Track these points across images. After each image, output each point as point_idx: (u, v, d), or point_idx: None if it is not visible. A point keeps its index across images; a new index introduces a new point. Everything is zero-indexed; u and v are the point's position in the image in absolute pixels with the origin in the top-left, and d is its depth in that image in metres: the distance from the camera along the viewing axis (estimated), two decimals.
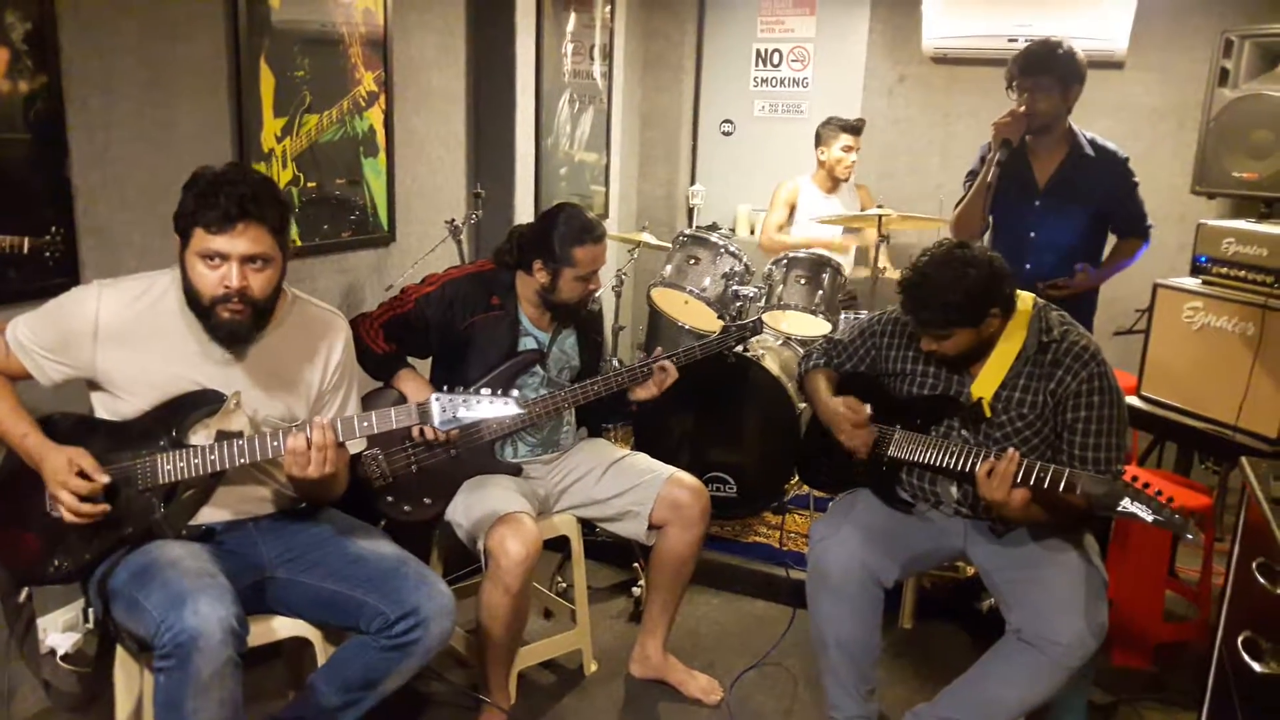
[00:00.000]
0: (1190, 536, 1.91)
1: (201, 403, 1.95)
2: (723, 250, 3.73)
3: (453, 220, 3.58)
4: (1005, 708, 2.14)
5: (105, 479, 1.86)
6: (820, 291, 3.67)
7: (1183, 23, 4.25)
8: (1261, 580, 1.73)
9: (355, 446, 2.15)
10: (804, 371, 2.66)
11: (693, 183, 5.44)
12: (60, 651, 2.50)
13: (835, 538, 2.31)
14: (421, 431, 2.44)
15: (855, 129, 4.32)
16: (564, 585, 3.09)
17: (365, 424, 1.94)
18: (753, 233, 5.17)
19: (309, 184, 3.17)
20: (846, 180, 4.40)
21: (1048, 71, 2.90)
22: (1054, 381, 2.20)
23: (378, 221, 3.52)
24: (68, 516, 1.85)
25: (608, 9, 4.78)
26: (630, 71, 5.20)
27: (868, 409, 2.37)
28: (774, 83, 5.24)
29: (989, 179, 2.92)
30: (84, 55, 2.41)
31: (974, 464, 2.15)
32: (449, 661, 2.72)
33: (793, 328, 3.83)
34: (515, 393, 1.92)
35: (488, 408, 1.89)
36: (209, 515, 2.01)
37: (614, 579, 3.31)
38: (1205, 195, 3.48)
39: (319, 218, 3.24)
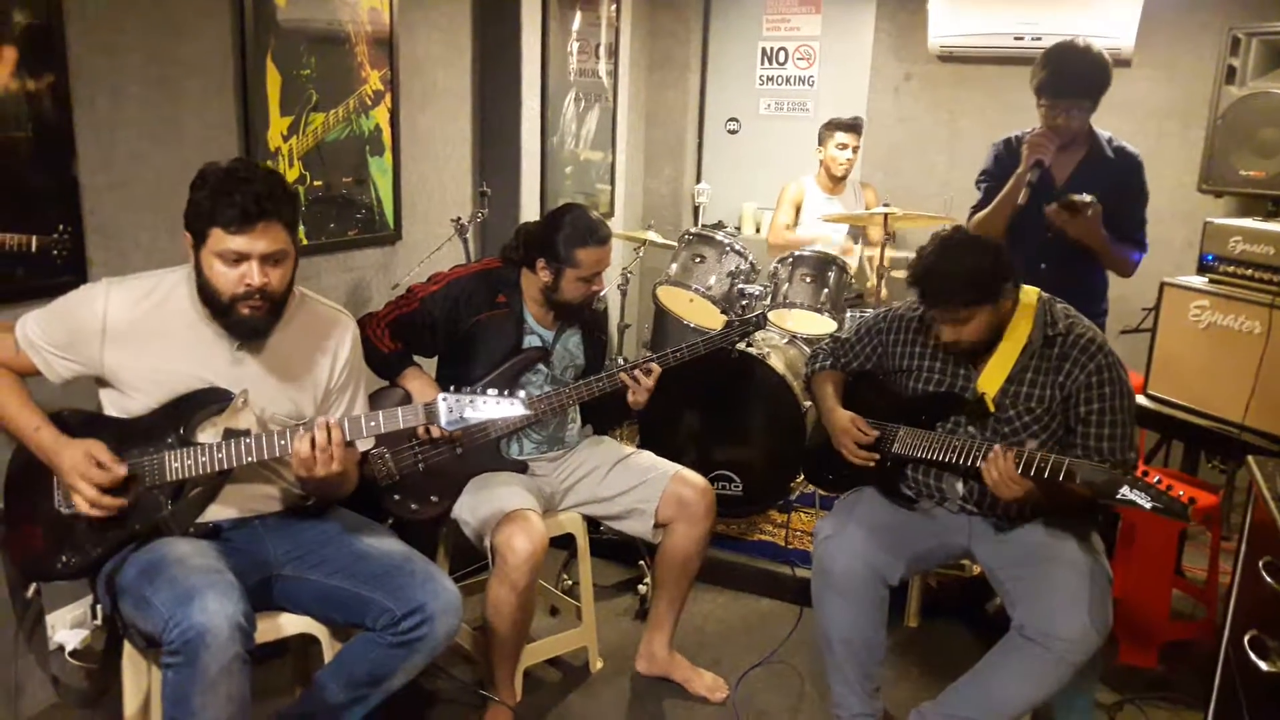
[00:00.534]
0: (1190, 521, 1.91)
1: (209, 401, 1.96)
2: (728, 248, 3.73)
3: (459, 219, 3.59)
4: (1010, 704, 2.14)
5: (124, 469, 1.87)
6: (826, 290, 3.67)
7: (1189, 20, 4.23)
8: (1268, 579, 1.72)
9: (363, 445, 2.16)
10: (810, 373, 2.67)
11: (698, 181, 5.44)
12: (69, 647, 2.51)
13: (840, 536, 2.31)
14: (428, 430, 2.44)
15: (849, 126, 4.31)
16: (570, 583, 3.09)
17: (373, 423, 1.95)
18: (758, 231, 5.17)
19: (315, 183, 3.18)
20: (844, 179, 4.40)
21: (1085, 94, 2.80)
22: (1062, 374, 2.21)
23: (384, 220, 3.53)
24: (86, 509, 1.86)
25: (613, 7, 4.78)
26: (636, 70, 5.20)
27: (874, 434, 2.39)
28: (780, 81, 5.24)
29: (1019, 200, 2.81)
30: (91, 54, 2.42)
31: (976, 458, 2.16)
32: (455, 658, 2.73)
33: (798, 326, 3.83)
34: (521, 393, 1.92)
35: (494, 408, 1.89)
36: (216, 513, 2.02)
37: (620, 577, 3.32)
38: (1212, 193, 3.48)
39: (325, 216, 3.25)
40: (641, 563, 3.17)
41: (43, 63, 2.30)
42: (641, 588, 3.11)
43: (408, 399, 2.49)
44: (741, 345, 3.40)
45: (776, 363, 3.46)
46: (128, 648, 1.97)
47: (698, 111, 5.41)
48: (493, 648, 2.41)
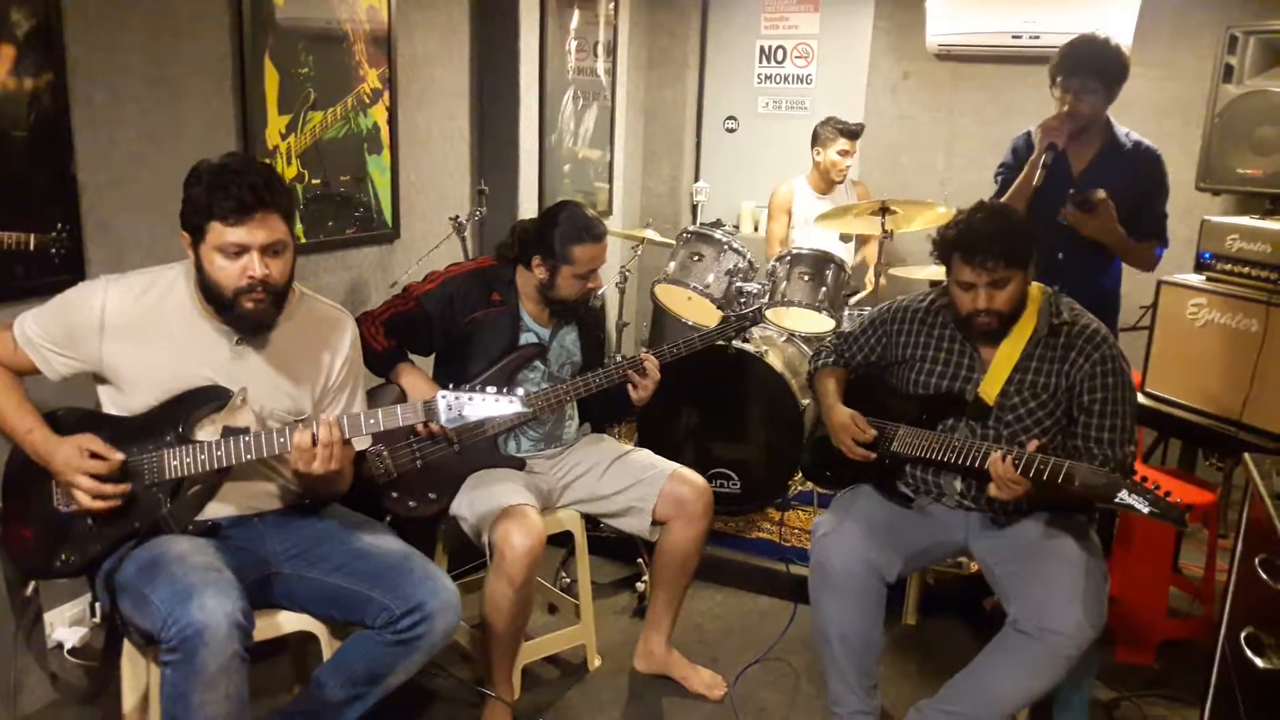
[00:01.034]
0: (1186, 527, 1.93)
1: (208, 398, 1.96)
2: (726, 247, 3.73)
3: (457, 217, 3.59)
4: (1007, 699, 2.15)
5: (119, 455, 1.87)
6: (824, 288, 3.67)
7: (1187, 19, 4.24)
8: (1264, 576, 1.73)
9: (361, 443, 2.16)
10: (814, 370, 2.68)
11: (696, 179, 5.43)
12: (67, 645, 2.51)
13: (837, 533, 2.32)
14: (426, 427, 2.45)
15: (853, 133, 4.30)
16: (568, 580, 3.10)
17: (371, 421, 1.95)
18: (756, 229, 5.17)
19: (313, 181, 3.18)
20: (840, 183, 4.39)
21: (1095, 75, 2.83)
22: (1067, 364, 2.24)
23: (382, 218, 3.53)
24: (87, 501, 1.86)
25: (611, 5, 4.78)
26: (634, 68, 5.20)
27: (873, 433, 2.40)
28: (778, 79, 5.24)
29: (1035, 182, 2.83)
30: (89, 52, 2.42)
31: (976, 458, 2.18)
32: (453, 656, 2.73)
33: (796, 324, 3.84)
34: (520, 390, 1.93)
35: (493, 405, 1.90)
36: (215, 510, 2.02)
37: (618, 574, 3.32)
38: (1210, 191, 3.48)
39: (323, 214, 3.25)
40: (639, 560, 3.18)
41: (41, 61, 2.30)
42: (639, 585, 3.12)
43: (403, 397, 2.49)
44: (739, 343, 3.41)
45: (774, 361, 3.47)
46: (126, 645, 1.97)
47: (696, 110, 5.41)
48: (491, 645, 2.42)
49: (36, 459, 1.90)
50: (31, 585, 2.12)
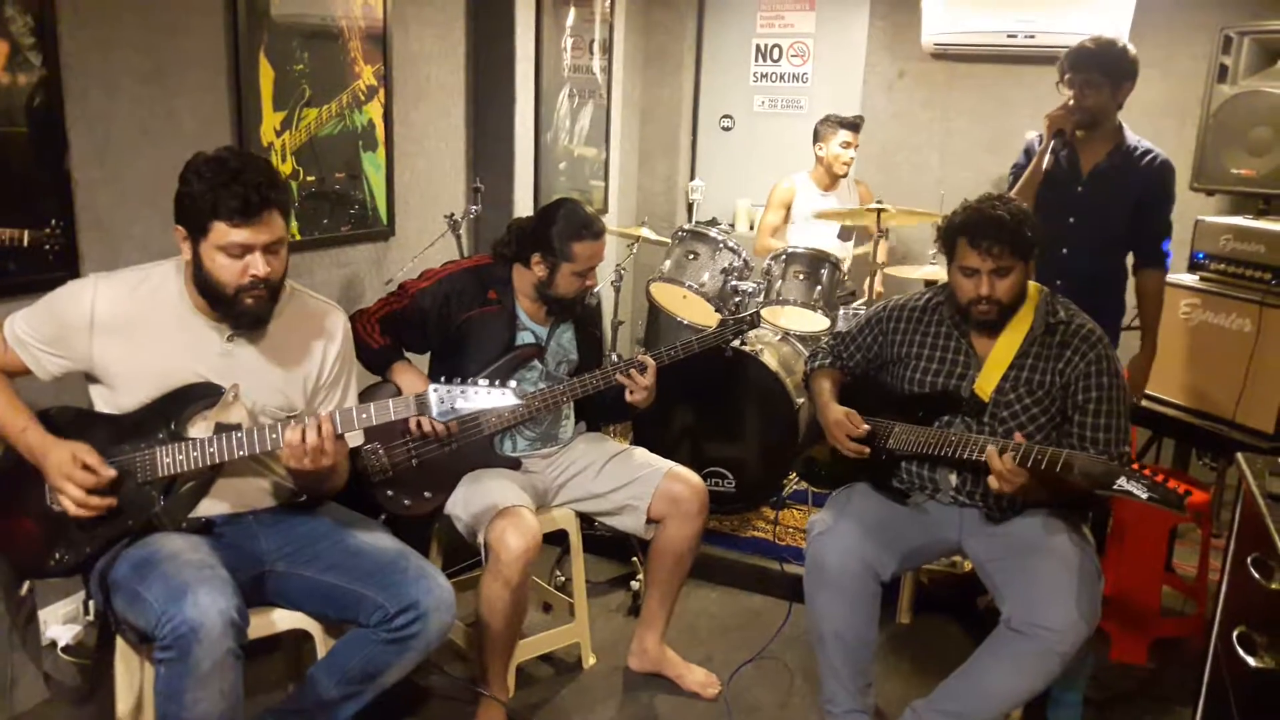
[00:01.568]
0: (1185, 512, 1.93)
1: (200, 395, 1.96)
2: (722, 245, 3.73)
3: (452, 214, 3.58)
4: (1001, 697, 2.16)
5: (111, 472, 1.87)
6: (819, 287, 3.68)
7: (1182, 19, 4.24)
8: (1256, 575, 1.73)
9: (354, 439, 2.15)
10: (810, 370, 2.68)
11: (692, 178, 5.43)
12: (61, 643, 2.50)
13: (832, 531, 2.32)
14: (420, 424, 2.44)
15: (854, 126, 4.32)
16: (563, 579, 3.10)
17: (364, 416, 1.95)
18: (752, 228, 5.17)
19: (308, 178, 3.17)
20: (844, 176, 4.40)
21: (1097, 68, 2.87)
22: (1062, 362, 2.25)
23: (377, 216, 3.52)
24: (73, 510, 1.86)
25: (607, 4, 4.77)
26: (630, 66, 5.20)
27: (867, 428, 2.40)
28: (774, 78, 5.24)
29: (1043, 166, 2.91)
30: (84, 48, 2.41)
31: (971, 452, 2.18)
32: (448, 654, 2.73)
33: (791, 323, 3.84)
34: (513, 383, 1.92)
35: (485, 398, 1.89)
36: (208, 508, 2.02)
37: (612, 573, 3.32)
38: (1204, 191, 3.49)
39: (318, 212, 3.24)
40: (634, 559, 3.18)
41: (36, 57, 2.29)
42: (634, 584, 3.12)
43: (398, 394, 2.48)
44: (735, 342, 3.41)
45: (769, 360, 3.47)
46: (120, 643, 1.97)
47: (691, 108, 5.40)
48: (485, 644, 2.42)
49: (30, 458, 1.89)
50: (26, 584, 2.11)
